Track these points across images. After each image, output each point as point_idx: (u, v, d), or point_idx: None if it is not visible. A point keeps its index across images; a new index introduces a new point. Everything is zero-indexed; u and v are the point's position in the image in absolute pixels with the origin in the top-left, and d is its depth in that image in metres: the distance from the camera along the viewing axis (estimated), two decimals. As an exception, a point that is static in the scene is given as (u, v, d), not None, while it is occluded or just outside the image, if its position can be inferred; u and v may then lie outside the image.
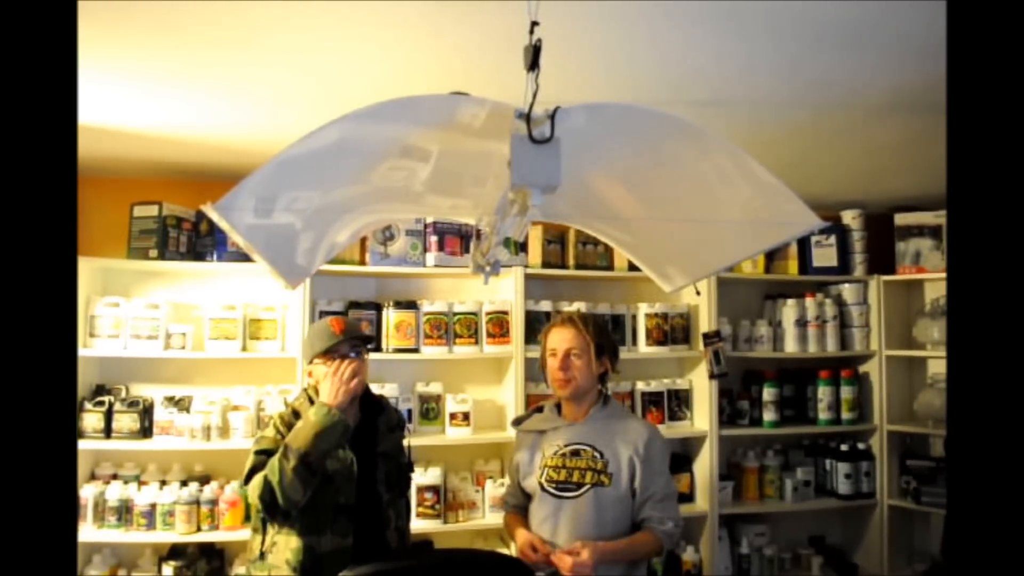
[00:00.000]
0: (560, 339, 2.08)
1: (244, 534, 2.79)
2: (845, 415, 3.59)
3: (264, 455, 1.97)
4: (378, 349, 3.08)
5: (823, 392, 3.59)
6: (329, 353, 2.04)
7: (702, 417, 3.43)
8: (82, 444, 2.88)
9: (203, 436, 2.93)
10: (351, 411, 2.12)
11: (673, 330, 3.41)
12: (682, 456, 3.43)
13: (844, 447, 3.57)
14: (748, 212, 1.56)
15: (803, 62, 1.98)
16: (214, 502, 2.90)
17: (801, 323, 3.57)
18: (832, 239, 3.65)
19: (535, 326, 3.21)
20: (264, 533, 2.00)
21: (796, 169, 3.09)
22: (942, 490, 3.38)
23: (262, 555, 2.00)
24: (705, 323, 3.41)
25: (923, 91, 2.15)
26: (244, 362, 3.09)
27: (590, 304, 3.33)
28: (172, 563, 2.87)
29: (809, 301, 3.58)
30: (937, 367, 3.64)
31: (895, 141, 2.72)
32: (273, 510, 1.91)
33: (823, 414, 3.58)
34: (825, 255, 3.66)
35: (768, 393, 3.53)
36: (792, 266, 3.64)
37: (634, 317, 3.41)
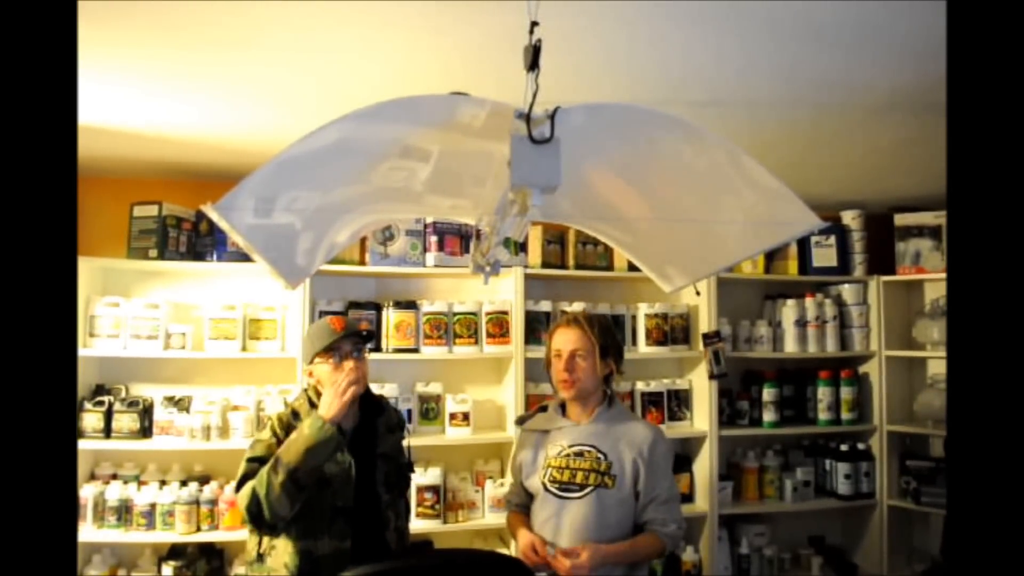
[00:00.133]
0: (565, 340, 2.07)
1: (244, 534, 2.76)
2: (845, 415, 3.59)
3: (256, 463, 1.95)
4: (378, 349, 3.08)
5: (823, 392, 3.59)
6: (330, 351, 2.04)
7: (702, 417, 3.43)
8: (82, 444, 2.88)
9: (203, 436, 2.93)
10: (351, 412, 2.12)
11: (673, 330, 3.41)
12: (682, 456, 3.43)
13: (844, 447, 3.57)
14: (748, 212, 1.56)
15: (803, 62, 1.98)
16: (214, 502, 2.90)
17: (801, 323, 3.57)
18: (832, 239, 3.65)
19: (535, 326, 3.21)
20: (261, 536, 2.00)
21: (796, 169, 3.09)
22: (942, 490, 3.38)
23: (260, 557, 2.00)
24: (705, 323, 3.41)
25: (923, 91, 2.15)
26: (244, 362, 3.09)
27: (590, 304, 3.33)
28: (172, 563, 2.87)
29: (809, 301, 3.58)
30: (937, 367, 3.64)
31: (895, 141, 2.72)
32: (259, 522, 1.90)
33: (823, 414, 3.58)
34: (825, 255, 3.66)
35: (768, 393, 3.53)
36: (792, 266, 3.64)
37: (634, 317, 3.41)
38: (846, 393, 3.60)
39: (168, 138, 2.66)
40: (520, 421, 2.26)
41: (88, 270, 2.99)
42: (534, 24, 1.29)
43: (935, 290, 3.68)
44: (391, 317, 3.10)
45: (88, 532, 2.84)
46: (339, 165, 1.44)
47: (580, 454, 2.02)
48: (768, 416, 3.53)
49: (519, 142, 1.24)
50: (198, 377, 3.14)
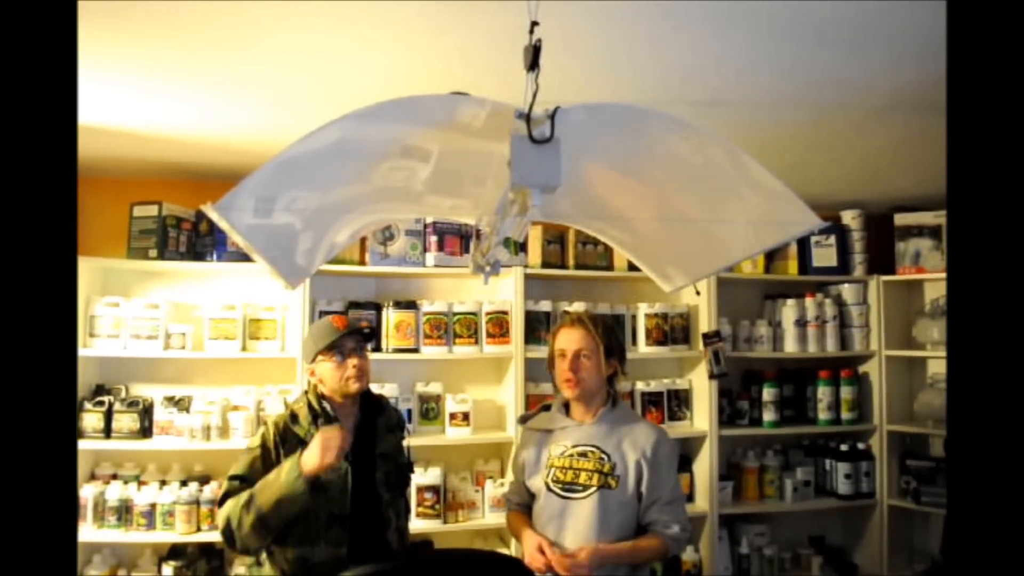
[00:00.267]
0: (569, 340, 2.06)
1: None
2: (845, 415, 3.60)
3: (237, 481, 1.96)
4: (378, 349, 3.08)
5: (823, 392, 3.59)
6: (333, 349, 2.05)
7: (702, 417, 3.43)
8: (82, 444, 2.88)
9: (203, 436, 2.93)
10: (351, 412, 2.12)
11: (673, 330, 3.41)
12: (682, 456, 3.43)
13: (844, 447, 3.57)
14: (748, 212, 1.56)
15: (803, 62, 1.98)
16: (214, 502, 2.89)
17: (801, 323, 3.57)
18: (832, 239, 3.65)
19: (535, 326, 3.22)
20: None
21: (796, 169, 3.09)
22: (942, 490, 3.38)
23: (259, 562, 2.01)
24: (705, 323, 3.41)
25: (923, 91, 2.15)
26: (244, 362, 3.09)
27: (590, 304, 3.33)
28: (172, 563, 2.87)
29: (809, 301, 3.58)
30: (937, 367, 3.64)
31: (895, 141, 2.72)
32: (232, 546, 1.92)
33: (823, 414, 3.58)
34: (825, 255, 3.66)
35: (768, 393, 3.53)
36: (792, 266, 3.64)
37: (634, 317, 3.41)
38: (846, 393, 3.60)
39: (168, 138, 2.66)
40: (523, 420, 2.25)
41: (88, 270, 2.99)
42: (534, 24, 1.29)
43: (935, 290, 3.68)
44: (391, 317, 3.10)
45: (88, 532, 2.84)
46: (339, 165, 1.44)
47: (584, 454, 2.02)
48: (768, 416, 3.53)
49: (519, 142, 1.24)
50: (198, 377, 3.14)
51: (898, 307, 3.71)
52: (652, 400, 3.40)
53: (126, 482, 2.95)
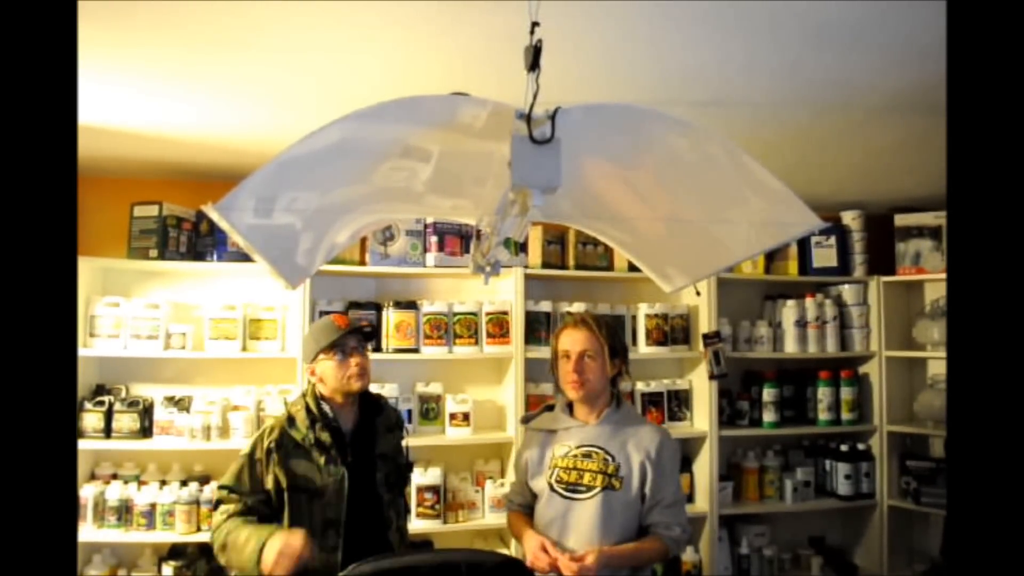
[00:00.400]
0: (573, 340, 2.06)
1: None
2: (845, 416, 3.60)
3: (226, 491, 2.02)
4: (378, 349, 3.08)
5: (823, 393, 3.59)
6: (335, 347, 2.05)
7: (702, 418, 3.43)
8: (82, 444, 2.88)
9: (203, 436, 2.93)
10: (350, 413, 2.12)
11: (673, 330, 3.41)
12: (682, 456, 3.43)
13: (844, 448, 3.57)
14: (748, 213, 1.56)
15: (803, 62, 1.98)
16: (213, 499, 2.89)
17: (801, 324, 3.57)
18: (832, 240, 3.65)
19: (535, 326, 3.22)
20: None
21: (796, 170, 3.09)
22: (942, 490, 3.38)
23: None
24: (705, 323, 3.41)
25: (923, 91, 2.15)
26: (244, 362, 3.09)
27: (590, 304, 3.33)
28: (172, 563, 2.86)
29: (809, 302, 3.58)
30: (937, 368, 3.64)
31: (895, 142, 2.72)
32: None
33: (823, 415, 3.58)
34: (825, 256, 3.66)
35: (768, 394, 3.53)
36: (792, 267, 3.64)
37: (634, 317, 3.41)
38: (846, 393, 3.60)
39: (168, 138, 2.66)
40: (525, 420, 2.25)
41: (88, 270, 2.99)
42: (535, 24, 1.29)
43: (935, 290, 3.68)
44: (391, 317, 3.10)
45: (88, 532, 2.84)
46: (340, 165, 1.44)
47: (588, 455, 2.01)
48: (768, 416, 3.53)
49: (520, 142, 1.24)
50: (198, 377, 3.14)
51: (898, 308, 3.71)
52: (652, 400, 3.40)
53: (126, 482, 2.95)
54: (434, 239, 3.17)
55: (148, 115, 2.42)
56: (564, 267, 3.34)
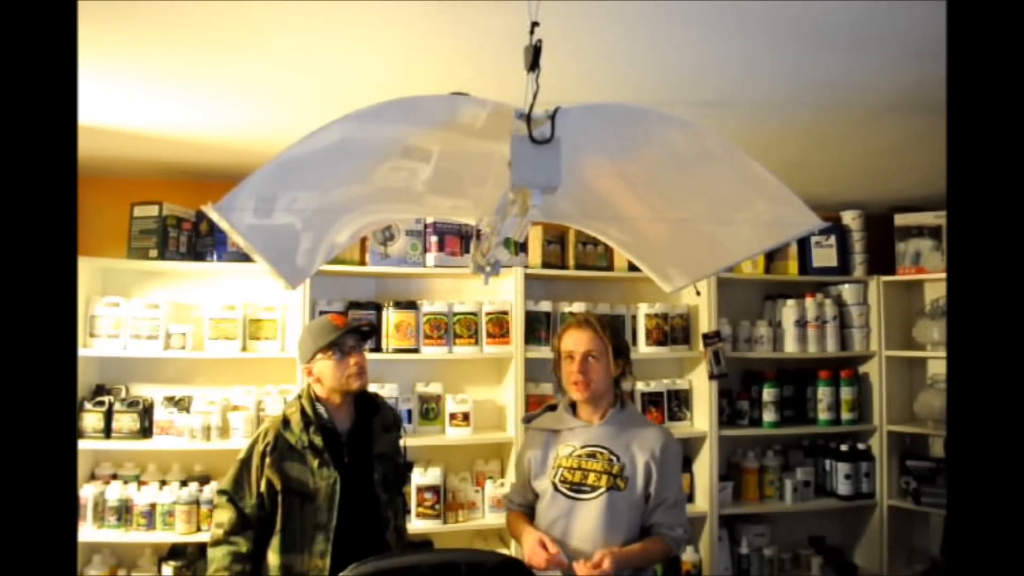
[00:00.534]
0: (577, 341, 2.05)
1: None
2: (845, 415, 3.59)
3: (225, 497, 2.04)
4: (378, 349, 3.08)
5: (823, 392, 3.59)
6: (333, 347, 2.05)
7: (702, 417, 3.43)
8: (82, 444, 2.88)
9: (203, 436, 2.93)
10: (347, 414, 2.12)
11: (673, 330, 3.41)
12: (683, 457, 3.43)
13: (844, 447, 3.57)
14: (748, 212, 1.56)
15: (804, 62, 1.98)
16: (213, 502, 2.89)
17: (801, 323, 3.57)
18: (832, 239, 3.65)
19: (535, 326, 3.21)
20: None
21: (796, 169, 3.09)
22: (942, 490, 3.38)
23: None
24: (705, 323, 3.41)
25: (923, 91, 2.15)
26: (244, 362, 3.09)
27: (590, 304, 3.33)
28: (172, 563, 2.86)
29: (809, 301, 3.58)
30: (937, 367, 3.64)
31: (895, 141, 2.72)
32: None
33: (823, 414, 3.58)
34: (825, 255, 3.66)
35: (768, 393, 3.53)
36: (792, 266, 3.64)
37: (634, 317, 3.41)
38: (846, 393, 3.60)
39: (168, 138, 2.66)
40: (527, 420, 2.25)
41: (88, 270, 2.99)
42: (535, 24, 1.29)
43: (935, 290, 3.67)
44: (391, 317, 3.10)
45: (88, 532, 2.84)
46: (340, 165, 1.44)
47: (592, 455, 2.01)
48: (768, 416, 3.53)
49: (520, 142, 1.24)
50: (198, 377, 3.14)
51: (898, 307, 3.71)
52: (652, 400, 3.40)
53: (126, 482, 2.95)
54: (434, 239, 3.17)
55: (148, 115, 2.42)
56: (564, 267, 3.34)
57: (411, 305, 3.14)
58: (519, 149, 1.24)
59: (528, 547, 1.93)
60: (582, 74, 2.02)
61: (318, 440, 2.02)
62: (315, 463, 2.01)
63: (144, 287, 3.17)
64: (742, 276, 3.56)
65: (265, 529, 2.00)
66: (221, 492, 2.04)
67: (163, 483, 2.95)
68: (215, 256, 3.07)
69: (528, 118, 1.23)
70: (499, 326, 3.18)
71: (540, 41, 1.27)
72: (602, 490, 1.96)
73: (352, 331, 2.09)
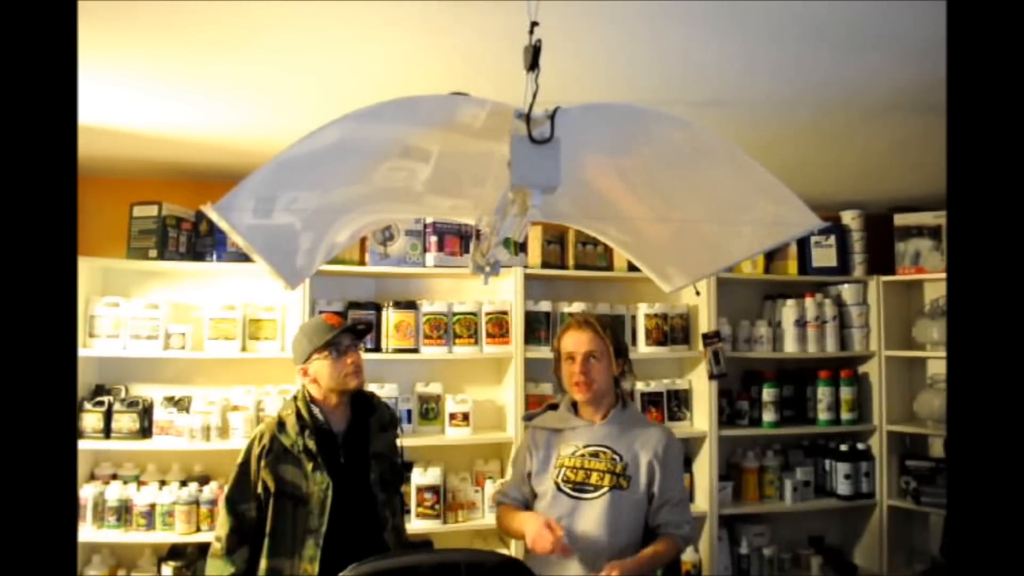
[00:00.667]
0: (578, 342, 2.04)
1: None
2: (845, 415, 3.60)
3: (226, 505, 2.04)
4: (378, 349, 3.08)
5: (823, 392, 3.59)
6: (329, 346, 2.05)
7: (702, 417, 3.43)
8: (82, 444, 2.87)
9: (203, 436, 2.93)
10: (343, 415, 2.12)
11: (673, 330, 3.41)
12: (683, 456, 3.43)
13: (844, 447, 3.57)
14: (748, 212, 1.56)
15: (803, 62, 1.98)
16: (213, 502, 2.89)
17: (801, 323, 3.57)
18: (832, 239, 3.65)
19: (535, 326, 3.21)
20: None
21: (796, 169, 3.09)
22: (942, 490, 3.38)
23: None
24: (705, 323, 3.41)
25: (923, 91, 2.15)
26: (244, 362, 3.09)
27: (590, 304, 3.33)
28: (171, 563, 2.86)
29: (809, 301, 3.58)
30: (937, 367, 3.64)
31: (895, 141, 2.72)
32: None
33: (823, 414, 3.58)
34: (825, 255, 3.66)
35: (768, 393, 3.53)
36: (792, 266, 3.64)
37: (634, 317, 3.41)
38: (846, 393, 3.60)
39: (168, 138, 2.66)
40: (528, 418, 2.24)
41: (88, 270, 2.99)
42: (534, 24, 1.29)
43: (935, 290, 3.67)
44: (391, 317, 3.10)
45: (88, 532, 2.84)
46: (339, 165, 1.44)
47: (595, 455, 2.00)
48: (768, 416, 3.53)
49: (519, 142, 1.23)
50: (198, 377, 3.14)
51: (898, 307, 3.71)
52: (652, 400, 3.40)
53: (126, 482, 2.94)
54: (434, 239, 3.17)
55: (148, 115, 2.42)
56: (564, 267, 3.34)
57: (411, 305, 3.14)
58: (518, 149, 1.23)
59: (533, 530, 1.86)
60: (582, 74, 2.02)
61: (312, 444, 2.01)
62: (309, 467, 2.00)
63: (144, 287, 3.17)
64: (742, 276, 3.56)
65: (261, 534, 2.00)
66: (225, 499, 2.03)
67: (163, 483, 2.95)
68: (215, 256, 3.07)
69: (527, 118, 1.23)
70: (499, 326, 3.18)
71: (539, 41, 1.27)
72: (605, 489, 1.95)
73: (348, 330, 2.09)
